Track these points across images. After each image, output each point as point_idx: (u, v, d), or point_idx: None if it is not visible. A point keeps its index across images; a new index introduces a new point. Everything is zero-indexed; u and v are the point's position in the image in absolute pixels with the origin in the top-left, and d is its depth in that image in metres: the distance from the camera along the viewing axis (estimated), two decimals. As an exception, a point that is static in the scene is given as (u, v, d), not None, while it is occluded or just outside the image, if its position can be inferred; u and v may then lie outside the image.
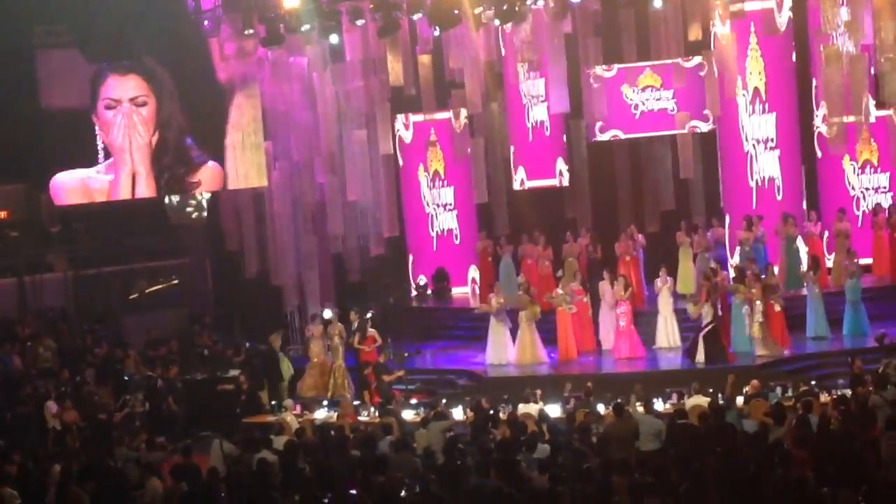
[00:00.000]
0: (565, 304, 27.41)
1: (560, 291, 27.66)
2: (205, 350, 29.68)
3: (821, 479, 15.25)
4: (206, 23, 29.81)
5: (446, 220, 34.20)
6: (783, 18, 29.87)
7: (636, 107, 31.28)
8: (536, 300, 27.65)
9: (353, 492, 16.17)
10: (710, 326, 25.92)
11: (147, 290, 34.13)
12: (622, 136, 31.59)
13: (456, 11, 27.12)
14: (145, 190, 30.41)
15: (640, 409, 20.99)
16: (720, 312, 26.33)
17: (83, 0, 29.94)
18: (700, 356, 25.90)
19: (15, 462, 19.38)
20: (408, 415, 23.61)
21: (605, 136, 31.55)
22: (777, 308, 26.28)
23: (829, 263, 29.66)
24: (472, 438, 20.18)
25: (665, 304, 27.54)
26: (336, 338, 27.41)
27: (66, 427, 24.01)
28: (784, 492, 14.67)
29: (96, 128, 30.23)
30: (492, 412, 22.23)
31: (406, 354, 27.73)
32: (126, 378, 26.81)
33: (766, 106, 30.33)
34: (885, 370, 22.15)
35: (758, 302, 26.13)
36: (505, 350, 27.57)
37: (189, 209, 32.43)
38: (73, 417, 24.41)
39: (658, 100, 31.17)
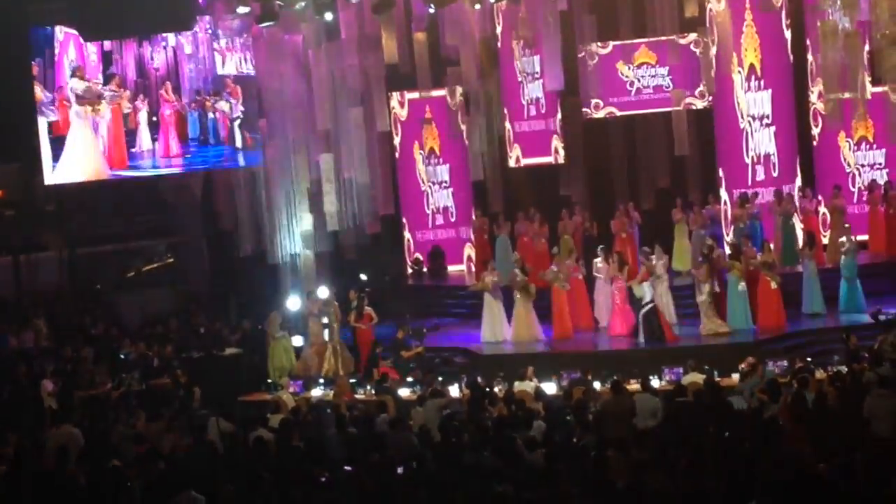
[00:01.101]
0: (559, 282, 27.40)
1: (555, 269, 27.64)
2: (201, 328, 29.69)
3: (817, 455, 15.27)
4: (201, 0, 29.74)
5: (442, 198, 34.17)
6: (779, -6, 29.84)
7: (632, 84, 31.25)
8: (530, 277, 27.63)
9: (349, 468, 16.18)
10: (649, 306, 25.97)
11: (143, 269, 34.12)
12: (618, 113, 31.57)
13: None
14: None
15: (637, 386, 21.00)
16: (717, 289, 26.35)
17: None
18: (641, 336, 26.00)
19: (10, 444, 19.38)
20: (404, 393, 23.64)
21: (601, 114, 31.53)
22: (773, 285, 26.29)
23: (825, 240, 29.66)
24: (468, 416, 20.20)
25: (660, 281, 27.48)
26: (332, 316, 27.40)
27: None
28: (779, 467, 14.68)
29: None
30: (487, 390, 22.27)
31: (425, 330, 27.53)
32: (122, 357, 26.79)
33: (762, 82, 30.29)
34: (880, 346, 22.21)
35: (706, 283, 26.18)
36: (500, 328, 27.56)
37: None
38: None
39: (653, 77, 31.14)
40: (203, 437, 19.22)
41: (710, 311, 26.21)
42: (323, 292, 28.37)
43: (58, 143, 29.79)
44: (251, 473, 15.81)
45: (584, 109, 31.57)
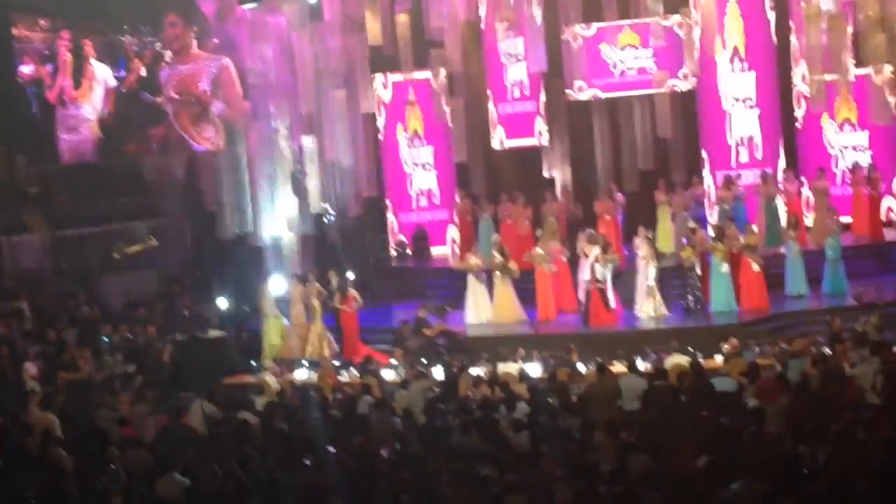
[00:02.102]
0: (545, 264, 27.40)
1: (539, 251, 27.64)
2: (185, 311, 29.64)
3: (797, 437, 15.32)
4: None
5: (425, 180, 34.12)
6: (762, -24, 29.84)
7: (615, 66, 31.18)
8: (515, 259, 27.62)
9: (332, 450, 16.19)
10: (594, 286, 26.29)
11: (127, 251, 34.03)
12: (601, 95, 31.50)
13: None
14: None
15: (622, 368, 21.01)
16: (699, 272, 26.40)
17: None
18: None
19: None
20: (388, 375, 23.63)
21: (585, 96, 31.46)
22: (756, 267, 26.32)
23: (809, 222, 29.71)
24: (442, 397, 20.19)
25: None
26: (314, 299, 27.36)
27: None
28: (759, 449, 14.74)
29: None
30: (460, 370, 22.32)
31: (447, 309, 27.40)
32: (106, 339, 26.74)
33: (746, 64, 30.30)
34: (864, 328, 22.28)
35: (652, 266, 26.29)
36: (484, 309, 27.56)
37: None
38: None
39: (637, 58, 31.06)
40: (181, 419, 19.21)
41: (650, 294, 26.35)
42: (307, 275, 28.35)
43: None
44: (237, 455, 15.83)
45: (567, 91, 31.49)
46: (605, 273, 26.41)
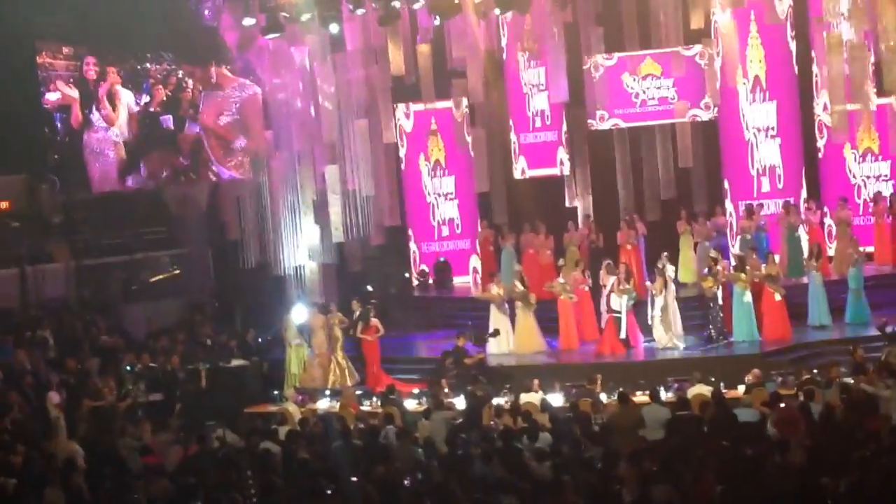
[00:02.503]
0: (565, 294, 27.41)
1: (561, 280, 27.65)
2: (207, 340, 29.67)
3: (820, 467, 15.27)
4: (206, 13, 29.84)
5: (447, 210, 34.17)
6: (783, 6, 29.88)
7: (637, 95, 31.20)
8: (535, 289, 27.64)
9: (355, 480, 16.19)
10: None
11: (151, 280, 34.10)
12: (623, 124, 31.51)
13: (456, 0, 27.14)
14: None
15: (645, 398, 20.96)
16: (721, 302, 26.38)
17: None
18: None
19: (19, 453, 19.41)
20: (410, 404, 23.63)
21: (606, 125, 31.48)
22: (778, 297, 26.29)
23: (831, 252, 29.67)
24: (465, 426, 20.20)
25: (667, 293, 27.46)
26: (336, 328, 27.40)
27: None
28: (782, 479, 14.71)
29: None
30: (483, 399, 22.30)
31: (486, 337, 27.33)
32: (129, 368, 26.79)
33: (767, 94, 30.33)
34: (886, 358, 22.19)
35: (659, 295, 26.31)
36: (506, 339, 27.55)
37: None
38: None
39: (658, 88, 31.06)
40: (206, 448, 19.24)
41: (662, 324, 26.35)
42: (329, 305, 28.40)
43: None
44: (260, 484, 15.86)
45: (589, 121, 31.53)
46: (621, 302, 26.42)
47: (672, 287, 27.32)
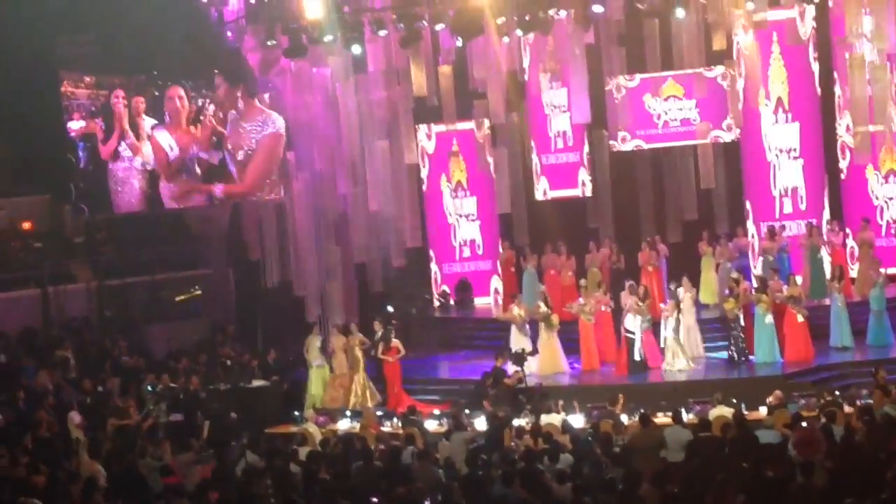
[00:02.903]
0: (585, 315, 27.37)
1: (581, 301, 27.63)
2: (227, 361, 29.70)
3: (844, 489, 15.20)
4: (229, 34, 29.95)
5: (469, 231, 34.20)
6: (806, 28, 29.87)
7: (659, 116, 31.14)
8: (557, 310, 27.64)
9: (375, 501, 16.18)
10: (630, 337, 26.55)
11: (176, 299, 34.21)
12: (644, 145, 31.44)
13: (479, 21, 27.19)
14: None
15: (667, 419, 20.90)
16: (743, 323, 26.35)
17: (107, 13, 30.12)
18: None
19: (42, 473, 19.44)
20: (430, 425, 23.62)
21: (628, 146, 31.42)
22: (800, 318, 26.23)
23: (853, 273, 29.57)
24: (486, 447, 20.18)
25: (688, 314, 27.45)
26: (356, 349, 27.43)
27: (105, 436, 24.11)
28: (805, 502, 14.65)
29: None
30: (505, 421, 22.27)
31: (525, 356, 27.22)
32: (150, 388, 26.85)
33: (790, 115, 30.31)
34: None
35: (671, 317, 26.32)
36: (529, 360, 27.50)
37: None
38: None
39: (680, 109, 30.99)
40: (226, 469, 19.25)
41: (675, 347, 26.33)
42: (349, 325, 28.44)
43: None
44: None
45: (611, 142, 31.49)
46: (636, 323, 26.41)
47: (693, 309, 27.34)
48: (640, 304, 26.56)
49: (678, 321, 26.63)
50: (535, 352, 27.10)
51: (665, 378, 26.30)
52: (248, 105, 32.51)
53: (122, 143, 32.54)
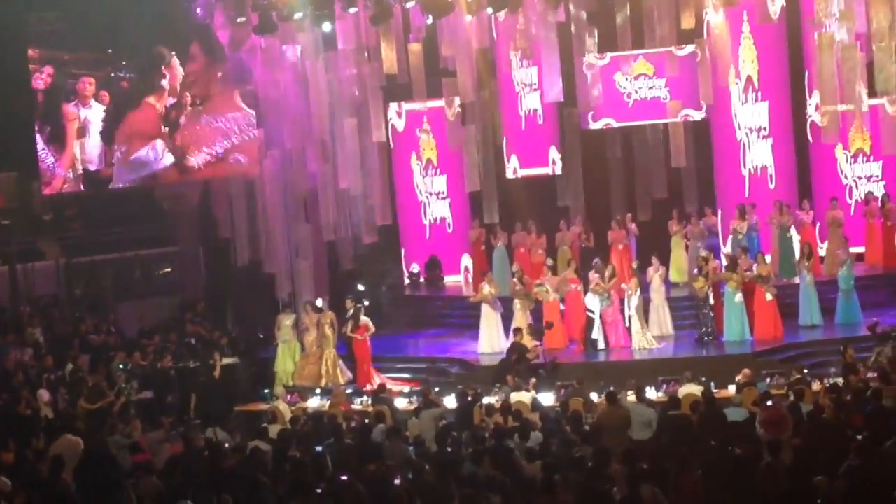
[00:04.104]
0: (546, 294, 27.35)
1: (541, 281, 27.60)
2: (192, 339, 29.62)
3: (811, 467, 15.28)
4: (198, 10, 29.82)
5: (439, 209, 34.17)
6: (776, 7, 29.84)
7: (629, 95, 31.17)
8: (529, 288, 27.67)
9: (345, 478, 16.18)
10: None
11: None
12: (615, 124, 31.47)
13: (449, -1, 27.17)
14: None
15: (632, 397, 20.97)
16: (713, 302, 26.43)
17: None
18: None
19: (10, 450, 19.38)
20: (400, 403, 23.63)
21: (598, 125, 31.44)
22: (769, 297, 26.33)
23: (822, 252, 29.68)
24: (456, 425, 20.22)
25: (657, 293, 27.54)
26: (326, 326, 27.39)
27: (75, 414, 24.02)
28: (772, 479, 14.71)
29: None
30: (474, 398, 22.29)
31: (543, 330, 26.94)
32: (122, 366, 26.78)
33: (759, 94, 30.35)
34: (877, 359, 22.24)
35: (635, 295, 26.41)
36: (498, 339, 27.54)
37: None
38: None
39: (651, 88, 31.03)
40: (194, 447, 19.21)
41: (638, 326, 26.54)
42: (318, 302, 28.41)
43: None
44: (250, 483, 15.83)
45: (581, 120, 31.52)
46: (595, 302, 26.51)
47: (662, 287, 27.44)
48: (601, 282, 26.62)
49: (642, 300, 26.71)
50: (549, 325, 26.90)
51: (633, 356, 26.37)
52: (223, 92, 31.95)
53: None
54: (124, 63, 31.03)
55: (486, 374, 25.82)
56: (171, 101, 31.14)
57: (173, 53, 30.82)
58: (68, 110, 30.80)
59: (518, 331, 25.99)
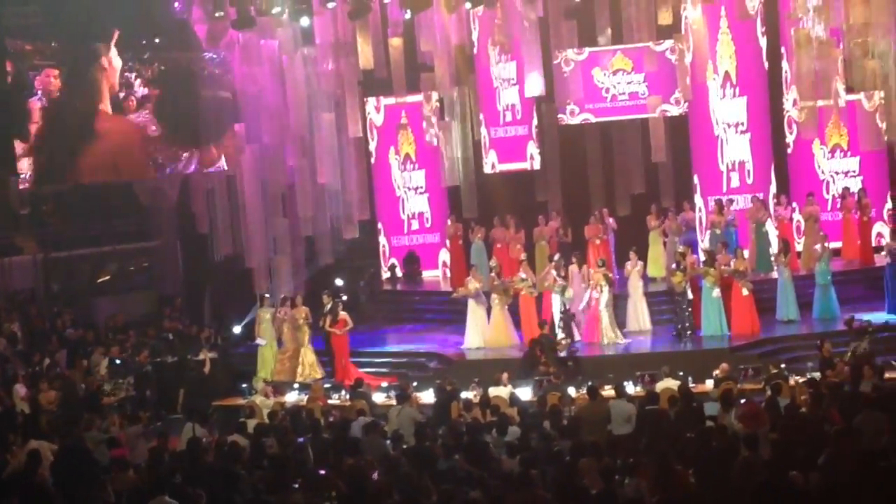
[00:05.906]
0: (527, 289, 27.38)
1: (522, 275, 27.62)
2: (169, 335, 29.58)
3: (788, 461, 15.31)
4: (176, 4, 29.75)
5: (417, 204, 34.17)
6: (754, 2, 29.90)
7: (607, 90, 31.20)
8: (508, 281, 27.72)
9: (323, 473, 16.18)
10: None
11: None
12: (593, 119, 31.49)
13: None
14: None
15: (611, 392, 21.01)
16: (690, 296, 26.47)
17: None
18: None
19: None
20: (378, 398, 23.63)
21: (576, 120, 31.46)
22: (745, 292, 26.40)
23: (799, 247, 29.76)
24: (434, 420, 20.24)
25: (635, 288, 27.59)
26: (301, 321, 27.36)
27: (40, 409, 23.98)
28: (749, 473, 14.74)
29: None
30: (453, 392, 22.32)
31: (570, 320, 26.85)
32: (117, 362, 26.76)
33: (737, 90, 30.38)
34: (853, 354, 22.32)
35: (606, 289, 26.49)
36: (484, 333, 27.54)
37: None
38: (51, 397, 24.43)
39: (629, 83, 31.06)
40: (167, 442, 19.17)
41: (606, 322, 26.64)
42: (295, 298, 28.40)
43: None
44: (227, 477, 15.81)
45: (559, 115, 31.52)
46: (556, 300, 26.59)
47: (640, 282, 27.50)
48: (558, 279, 26.67)
49: (611, 295, 26.76)
50: (543, 324, 26.75)
51: (604, 352, 26.41)
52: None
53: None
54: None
55: (464, 368, 25.85)
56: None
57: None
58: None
59: (544, 323, 26.06)
